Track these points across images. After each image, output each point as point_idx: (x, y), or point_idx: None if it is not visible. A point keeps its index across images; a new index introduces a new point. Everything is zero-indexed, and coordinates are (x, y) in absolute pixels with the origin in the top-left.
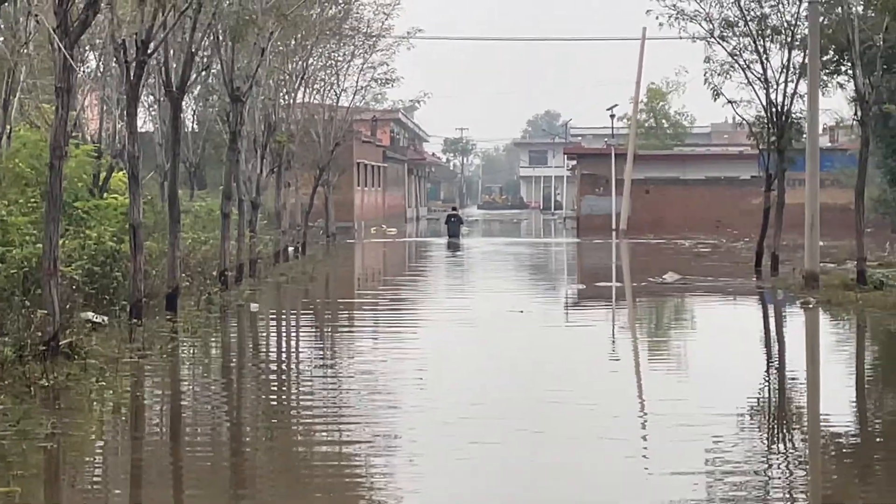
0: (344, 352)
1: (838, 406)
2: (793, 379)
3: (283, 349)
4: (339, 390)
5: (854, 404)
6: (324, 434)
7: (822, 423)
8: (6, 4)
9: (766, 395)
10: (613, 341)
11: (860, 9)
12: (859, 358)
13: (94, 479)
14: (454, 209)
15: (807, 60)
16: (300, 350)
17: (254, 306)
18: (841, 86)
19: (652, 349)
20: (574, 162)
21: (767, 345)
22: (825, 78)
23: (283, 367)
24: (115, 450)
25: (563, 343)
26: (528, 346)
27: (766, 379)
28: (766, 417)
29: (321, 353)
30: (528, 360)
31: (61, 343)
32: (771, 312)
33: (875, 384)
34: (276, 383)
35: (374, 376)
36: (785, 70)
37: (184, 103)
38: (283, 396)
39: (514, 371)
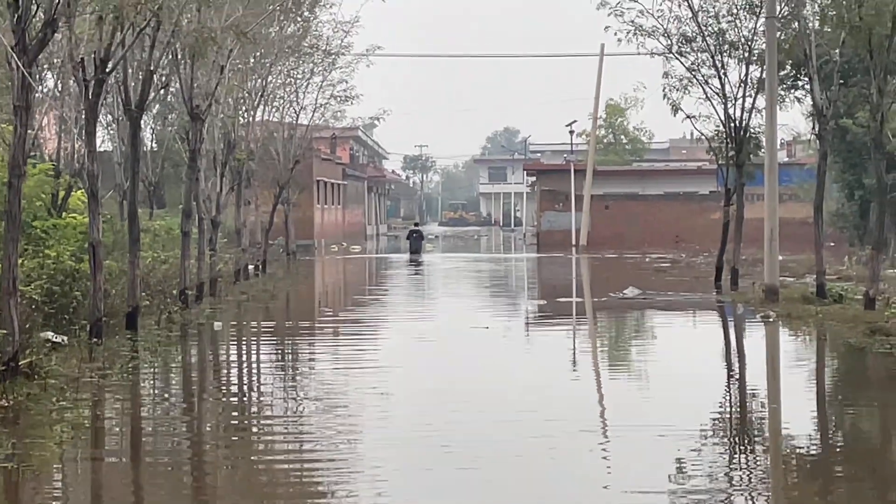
0: (305, 370)
1: (799, 420)
2: (754, 393)
3: (244, 368)
4: (301, 409)
5: (815, 418)
6: (285, 454)
7: (783, 437)
8: None
9: (727, 408)
10: (574, 357)
11: (817, 24)
12: (819, 371)
13: (54, 499)
14: (416, 225)
15: (764, 75)
16: (261, 368)
17: (217, 325)
18: (798, 100)
19: (613, 364)
20: (533, 178)
21: (728, 359)
22: (783, 93)
23: (244, 385)
24: (75, 470)
25: (523, 359)
26: (489, 362)
27: (727, 393)
28: (727, 431)
29: (282, 371)
30: (489, 376)
31: (21, 363)
32: (731, 326)
33: (835, 397)
34: (236, 402)
35: (336, 395)
36: (743, 85)
37: (143, 122)
38: (244, 416)
39: (475, 388)
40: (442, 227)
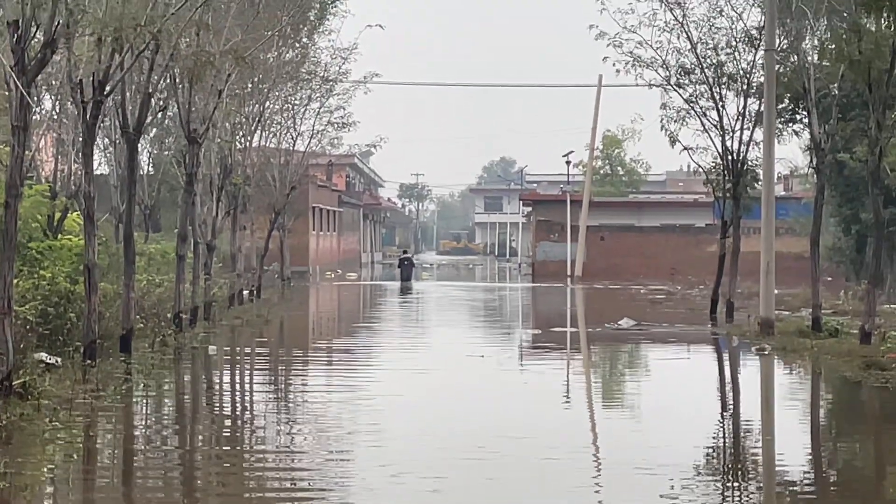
0: (298, 397)
1: (793, 453)
2: (748, 425)
3: (237, 392)
4: (293, 436)
5: (808, 451)
6: (276, 481)
7: (777, 470)
8: None
9: (721, 442)
10: (568, 387)
11: (816, 58)
12: (814, 405)
13: None
14: (405, 252)
15: (763, 108)
16: (254, 394)
17: (211, 349)
18: (796, 133)
19: (607, 395)
20: (529, 208)
21: (722, 391)
22: (781, 126)
23: (237, 410)
24: (66, 491)
25: (517, 389)
26: (483, 392)
27: (721, 426)
28: (721, 464)
29: (275, 397)
30: (482, 406)
31: (14, 383)
32: (726, 359)
33: (829, 431)
34: (229, 427)
35: (329, 422)
36: (741, 117)
37: (140, 145)
38: (236, 441)
39: (469, 417)
40: (440, 257)
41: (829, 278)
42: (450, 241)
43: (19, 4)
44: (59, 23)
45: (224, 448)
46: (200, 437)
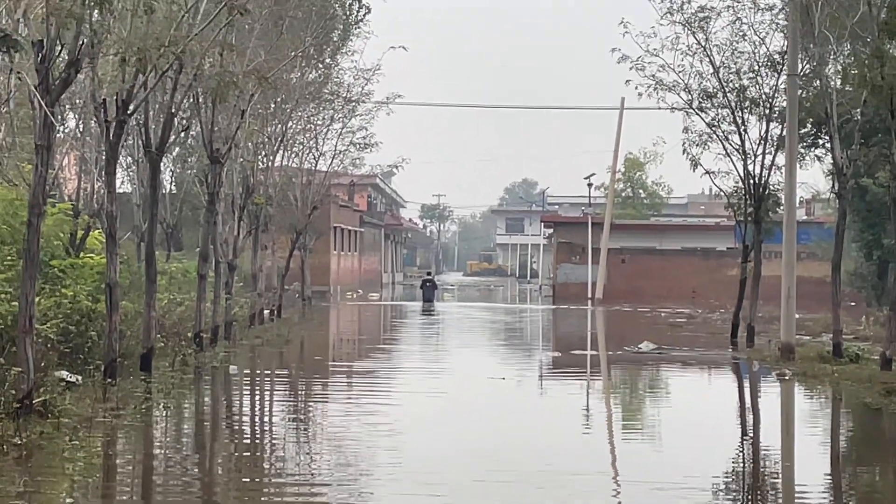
0: (318, 418)
1: (813, 479)
2: (767, 451)
3: (257, 413)
4: (312, 458)
5: (829, 478)
6: (295, 497)
7: (795, 496)
8: None
9: (741, 467)
10: (588, 410)
11: (838, 83)
12: (834, 431)
13: None
14: (428, 274)
15: (785, 133)
16: (274, 414)
17: (233, 368)
18: (819, 158)
19: (627, 418)
20: (551, 230)
21: (743, 416)
22: (803, 150)
23: (256, 431)
24: None
25: (538, 412)
26: (503, 414)
27: (741, 451)
28: (742, 490)
29: (295, 418)
30: (502, 429)
31: (35, 401)
32: (746, 384)
33: (850, 457)
34: (248, 447)
35: (349, 444)
36: (763, 142)
37: (162, 164)
38: (256, 461)
39: (489, 440)
40: (466, 278)
41: (853, 304)
42: (479, 262)
43: (44, 24)
44: (83, 43)
45: (244, 469)
46: (220, 458)
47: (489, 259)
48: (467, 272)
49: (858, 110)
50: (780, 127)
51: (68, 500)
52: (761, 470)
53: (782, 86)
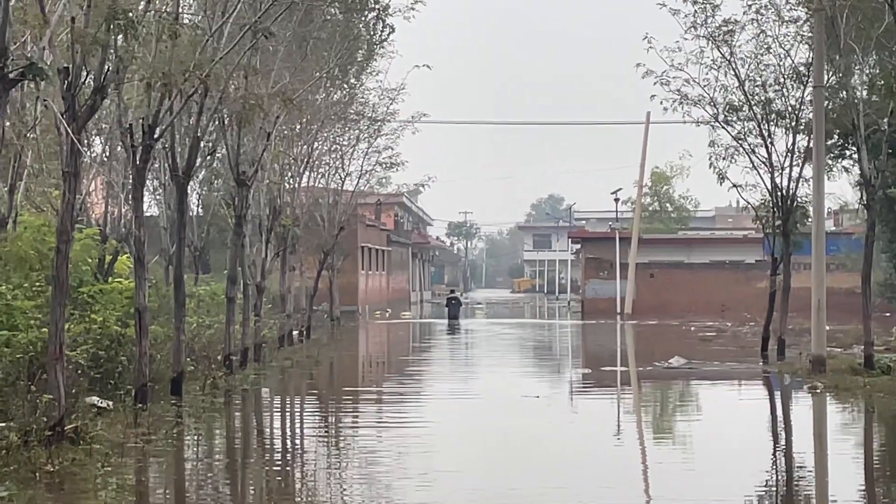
0: (350, 440)
1: (846, 493)
2: (800, 464)
3: (288, 436)
4: (343, 481)
5: (863, 492)
6: None
7: None
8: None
9: (773, 481)
10: (619, 426)
11: (865, 93)
12: (867, 443)
13: None
14: (452, 292)
15: (812, 144)
16: (305, 437)
17: (264, 391)
18: (846, 169)
19: (658, 435)
20: (578, 245)
21: (774, 429)
22: (830, 162)
23: (288, 455)
24: None
25: (567, 429)
26: (532, 431)
27: (774, 465)
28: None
29: (326, 441)
30: (531, 445)
31: (67, 428)
32: (778, 397)
33: (884, 470)
34: (279, 472)
35: (382, 468)
36: (790, 154)
37: (189, 187)
38: (287, 485)
39: (521, 456)
40: (518, 295)
41: (888, 314)
42: (528, 279)
43: (69, 51)
44: (108, 69)
45: (276, 495)
46: (252, 483)
47: (538, 276)
48: (515, 290)
49: (885, 120)
50: (807, 139)
51: None
52: (794, 485)
53: (808, 97)
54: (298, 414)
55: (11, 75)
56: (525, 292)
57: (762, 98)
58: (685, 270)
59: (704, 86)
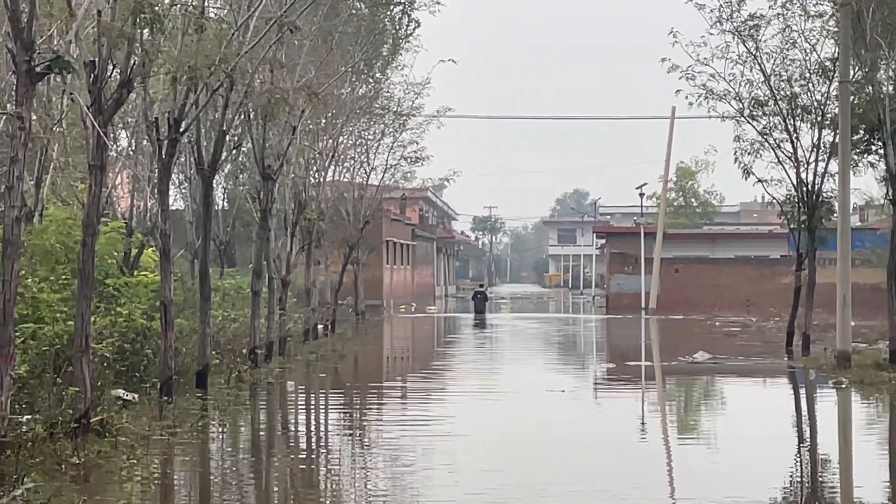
0: (375, 433)
1: (872, 488)
2: (825, 460)
3: (313, 429)
4: (369, 475)
5: (888, 488)
6: None
7: None
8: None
9: (799, 475)
10: (644, 422)
11: (891, 88)
12: (893, 439)
13: None
14: (480, 286)
15: (837, 140)
16: (329, 431)
17: (290, 384)
18: (872, 165)
19: (683, 431)
20: (603, 241)
21: (799, 425)
22: (856, 157)
23: (313, 447)
24: None
25: (592, 424)
26: (557, 427)
27: (799, 460)
28: (799, 499)
29: (350, 434)
30: (557, 441)
31: (92, 420)
32: (803, 393)
33: None
34: (304, 464)
35: (407, 463)
36: (815, 149)
37: (214, 181)
38: (313, 479)
39: (546, 453)
40: (547, 289)
41: None
42: (556, 272)
43: (95, 45)
44: (134, 62)
45: (302, 488)
46: (277, 476)
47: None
48: (546, 284)
49: None
50: (833, 134)
51: None
52: (820, 480)
53: (834, 93)
54: (323, 408)
55: (38, 69)
56: (555, 287)
57: (788, 93)
58: (710, 266)
59: (730, 80)
